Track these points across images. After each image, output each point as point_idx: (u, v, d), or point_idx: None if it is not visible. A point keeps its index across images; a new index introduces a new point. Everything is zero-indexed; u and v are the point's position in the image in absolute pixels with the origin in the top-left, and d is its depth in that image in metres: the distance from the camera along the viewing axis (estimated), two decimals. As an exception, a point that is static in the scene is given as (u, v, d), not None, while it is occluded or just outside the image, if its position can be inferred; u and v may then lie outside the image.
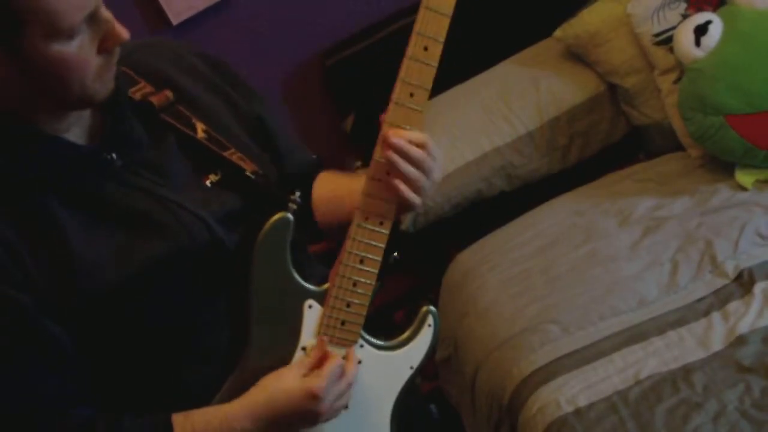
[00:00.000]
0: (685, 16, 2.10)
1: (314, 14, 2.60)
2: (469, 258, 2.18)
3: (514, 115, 2.34)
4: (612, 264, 1.90)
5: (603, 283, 1.85)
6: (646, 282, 1.82)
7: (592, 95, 2.34)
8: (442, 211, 2.30)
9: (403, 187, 1.00)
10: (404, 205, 1.03)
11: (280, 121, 1.21)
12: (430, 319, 1.12)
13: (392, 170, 0.99)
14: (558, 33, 2.39)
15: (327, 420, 1.04)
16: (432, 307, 1.12)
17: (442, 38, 0.98)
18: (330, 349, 1.05)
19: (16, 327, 0.91)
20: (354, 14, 2.61)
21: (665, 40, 2.15)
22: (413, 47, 0.97)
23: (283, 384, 1.00)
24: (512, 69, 2.50)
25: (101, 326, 0.96)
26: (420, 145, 1.00)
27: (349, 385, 1.05)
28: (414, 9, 0.96)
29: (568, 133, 2.34)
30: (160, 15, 2.45)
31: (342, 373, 1.03)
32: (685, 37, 2.05)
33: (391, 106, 0.99)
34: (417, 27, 0.97)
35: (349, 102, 2.61)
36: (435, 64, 0.98)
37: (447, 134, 2.35)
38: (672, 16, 2.14)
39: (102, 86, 0.93)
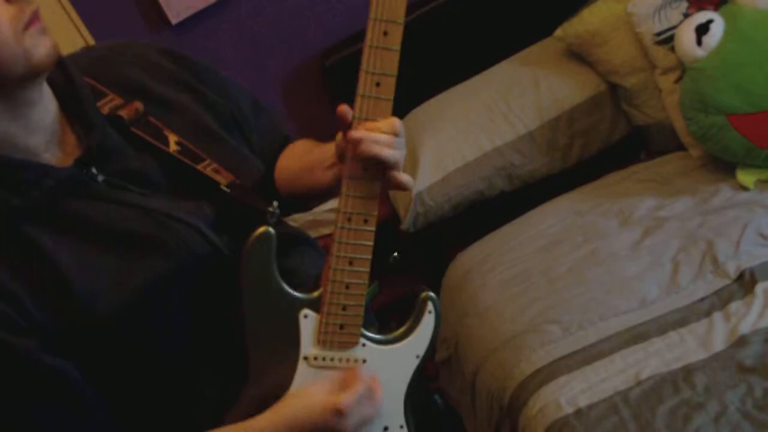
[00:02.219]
0: (686, 15, 2.10)
1: (314, 14, 2.59)
2: (469, 258, 2.18)
3: (515, 115, 2.34)
4: (613, 264, 1.90)
5: (604, 284, 1.85)
6: (647, 282, 1.81)
7: (593, 95, 2.34)
8: (442, 211, 2.30)
9: (393, 174, 0.97)
10: (396, 187, 1.02)
11: (252, 101, 1.18)
12: (430, 306, 1.09)
13: (368, 166, 0.97)
14: (558, 32, 2.38)
15: None
16: (431, 293, 1.09)
17: (401, 19, 0.91)
18: (333, 353, 1.03)
19: (24, 377, 0.87)
20: (354, 14, 2.60)
21: (666, 40, 2.14)
22: (371, 34, 0.92)
23: (308, 398, 0.98)
24: (512, 69, 2.49)
25: (110, 353, 0.92)
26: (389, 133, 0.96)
27: (376, 410, 1.02)
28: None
29: (569, 132, 2.34)
30: (160, 15, 2.45)
31: (370, 396, 1.01)
32: (686, 36, 2.04)
33: (358, 100, 0.95)
34: (372, 12, 0.90)
35: (349, 102, 2.60)
36: (397, 48, 0.92)
37: (447, 134, 2.34)
38: (673, 15, 2.13)
39: (34, 43, 0.85)
